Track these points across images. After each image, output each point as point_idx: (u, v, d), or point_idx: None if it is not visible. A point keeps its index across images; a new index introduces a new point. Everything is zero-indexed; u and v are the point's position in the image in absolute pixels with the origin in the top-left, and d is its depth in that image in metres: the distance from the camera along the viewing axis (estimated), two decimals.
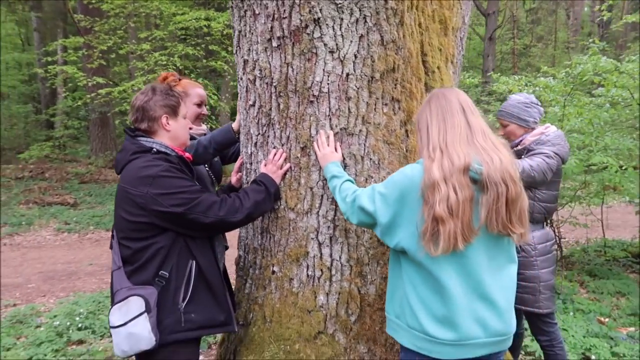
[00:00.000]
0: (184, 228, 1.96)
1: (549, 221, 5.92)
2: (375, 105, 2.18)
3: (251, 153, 2.37)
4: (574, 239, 7.67)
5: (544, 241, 2.65)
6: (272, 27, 2.14)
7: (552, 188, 2.65)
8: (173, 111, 2.10)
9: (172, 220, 1.93)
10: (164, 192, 1.91)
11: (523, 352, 3.71)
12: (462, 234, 1.59)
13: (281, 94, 2.18)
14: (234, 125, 2.55)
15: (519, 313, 2.87)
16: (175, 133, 2.11)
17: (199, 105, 2.95)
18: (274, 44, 2.15)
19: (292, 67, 2.14)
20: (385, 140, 2.21)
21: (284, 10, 2.10)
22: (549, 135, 2.66)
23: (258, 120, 2.30)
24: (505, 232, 1.65)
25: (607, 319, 4.23)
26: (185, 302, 1.96)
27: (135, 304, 1.89)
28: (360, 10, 2.08)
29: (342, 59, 2.12)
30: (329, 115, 2.15)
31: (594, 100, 5.56)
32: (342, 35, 2.10)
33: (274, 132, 2.24)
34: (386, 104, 2.21)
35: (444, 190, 1.59)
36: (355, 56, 2.12)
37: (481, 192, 1.63)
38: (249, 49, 2.26)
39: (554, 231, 6.01)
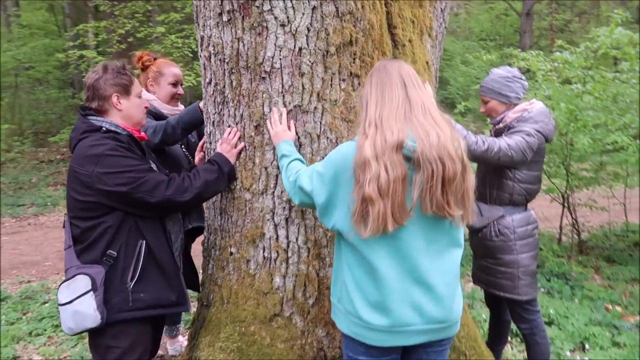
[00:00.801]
0: (131, 207, 1.95)
1: (565, 204, 5.70)
2: (331, 80, 2.08)
3: (210, 132, 2.32)
4: (599, 223, 7.30)
5: (524, 224, 2.50)
6: (222, 1, 2.07)
7: (534, 168, 2.49)
8: (125, 90, 2.06)
9: (118, 199, 1.91)
10: (108, 171, 1.89)
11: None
12: (392, 214, 1.50)
13: (233, 71, 2.12)
14: (201, 104, 2.51)
15: (501, 300, 2.75)
16: (127, 112, 2.07)
17: (174, 84, 2.92)
18: (225, 18, 2.08)
19: (242, 42, 2.07)
20: (343, 118, 2.12)
21: None
22: (532, 112, 2.48)
23: (214, 99, 2.24)
24: (442, 213, 1.54)
25: (614, 307, 4.01)
26: (134, 282, 1.96)
27: (82, 282, 1.90)
28: None
29: (294, 33, 2.02)
30: (282, 92, 2.07)
31: (619, 76, 5.20)
32: (294, 8, 2.00)
33: (228, 110, 2.18)
34: (344, 80, 2.10)
35: (374, 169, 1.50)
36: (308, 29, 2.03)
37: (415, 171, 1.53)
38: (204, 25, 2.20)
39: (571, 214, 5.74)
